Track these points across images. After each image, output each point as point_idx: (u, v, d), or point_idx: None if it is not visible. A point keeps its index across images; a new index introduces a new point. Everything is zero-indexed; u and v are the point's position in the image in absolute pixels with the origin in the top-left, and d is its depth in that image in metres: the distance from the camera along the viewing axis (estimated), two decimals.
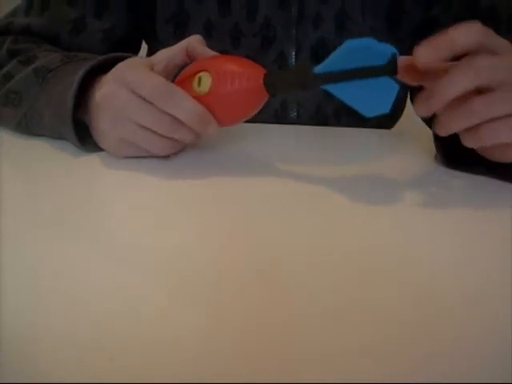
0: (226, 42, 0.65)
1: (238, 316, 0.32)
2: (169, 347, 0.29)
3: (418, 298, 0.34)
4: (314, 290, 0.34)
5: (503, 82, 0.41)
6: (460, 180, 0.50)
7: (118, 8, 0.66)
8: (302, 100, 0.67)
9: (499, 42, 0.42)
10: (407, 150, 0.53)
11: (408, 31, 0.66)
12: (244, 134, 0.60)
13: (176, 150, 0.52)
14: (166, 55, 0.50)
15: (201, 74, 0.48)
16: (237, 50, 0.65)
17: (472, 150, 0.46)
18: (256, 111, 0.50)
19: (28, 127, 0.57)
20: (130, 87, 0.47)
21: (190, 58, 0.51)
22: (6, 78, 0.59)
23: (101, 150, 0.53)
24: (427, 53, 0.41)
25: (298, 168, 0.51)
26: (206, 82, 0.48)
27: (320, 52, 0.64)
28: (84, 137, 0.53)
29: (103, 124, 0.50)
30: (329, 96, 0.45)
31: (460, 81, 0.41)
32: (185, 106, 0.47)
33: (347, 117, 0.68)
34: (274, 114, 0.67)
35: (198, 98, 0.48)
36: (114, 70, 0.50)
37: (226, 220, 0.43)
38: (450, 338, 0.31)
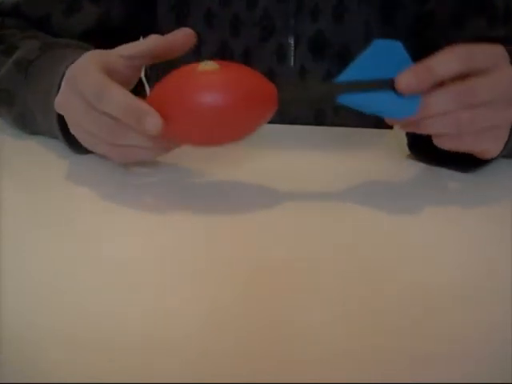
0: (226, 31, 0.66)
1: (238, 316, 0.32)
2: (169, 347, 0.29)
3: (417, 297, 0.34)
4: (314, 290, 0.35)
5: (490, 101, 0.42)
6: (460, 180, 0.50)
7: None
8: None
9: (483, 60, 0.43)
10: (407, 150, 0.53)
11: (403, 26, 0.66)
12: None
13: (133, 159, 0.48)
14: (132, 47, 0.47)
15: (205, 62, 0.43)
16: (236, 40, 0.65)
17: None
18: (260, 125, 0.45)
19: (26, 126, 0.57)
20: (81, 94, 0.45)
21: (155, 56, 0.47)
22: None
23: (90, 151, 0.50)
24: (408, 80, 0.41)
25: (296, 168, 0.51)
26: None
27: (318, 44, 0.65)
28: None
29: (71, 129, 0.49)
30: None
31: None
32: (116, 100, 0.43)
33: (345, 110, 0.68)
34: None
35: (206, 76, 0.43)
36: (67, 74, 0.47)
37: (227, 221, 0.43)
38: (449, 338, 0.31)
